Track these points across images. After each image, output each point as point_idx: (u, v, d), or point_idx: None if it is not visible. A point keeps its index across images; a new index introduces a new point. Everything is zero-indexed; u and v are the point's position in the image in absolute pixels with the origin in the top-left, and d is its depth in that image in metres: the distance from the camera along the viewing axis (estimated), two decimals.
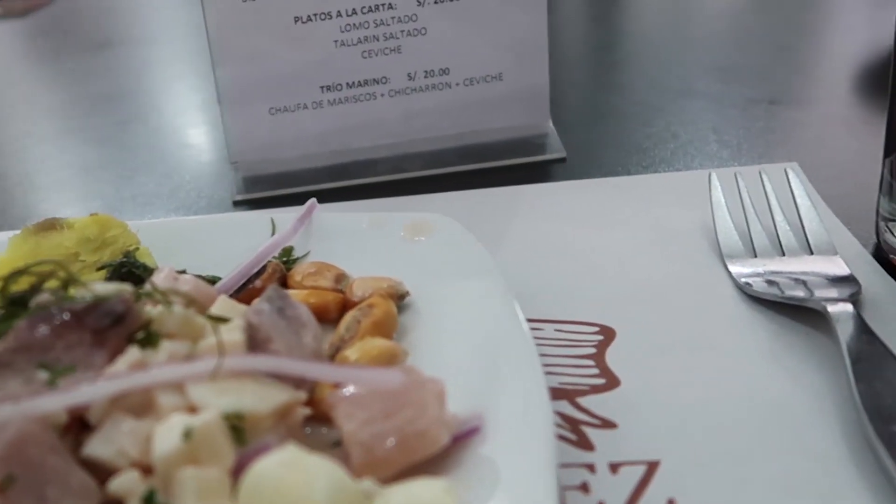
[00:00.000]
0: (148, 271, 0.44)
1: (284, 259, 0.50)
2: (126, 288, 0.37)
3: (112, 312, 0.35)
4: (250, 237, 0.50)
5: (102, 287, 0.37)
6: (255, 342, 0.37)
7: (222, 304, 0.40)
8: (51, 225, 0.49)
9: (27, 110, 0.91)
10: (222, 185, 0.67)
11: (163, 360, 0.35)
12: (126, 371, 0.34)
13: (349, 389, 0.36)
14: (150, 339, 0.36)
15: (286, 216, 0.52)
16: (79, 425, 0.34)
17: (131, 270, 0.44)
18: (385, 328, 0.43)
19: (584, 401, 0.41)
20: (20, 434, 0.30)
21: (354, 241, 0.50)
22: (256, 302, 0.40)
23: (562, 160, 0.65)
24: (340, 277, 0.47)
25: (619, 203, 0.57)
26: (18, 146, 0.79)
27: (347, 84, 0.64)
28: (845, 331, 0.41)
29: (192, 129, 0.81)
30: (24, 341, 0.34)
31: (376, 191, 0.63)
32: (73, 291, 0.37)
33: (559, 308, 0.48)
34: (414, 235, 0.49)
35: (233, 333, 0.37)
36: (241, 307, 0.40)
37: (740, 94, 0.73)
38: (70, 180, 0.72)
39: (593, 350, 0.44)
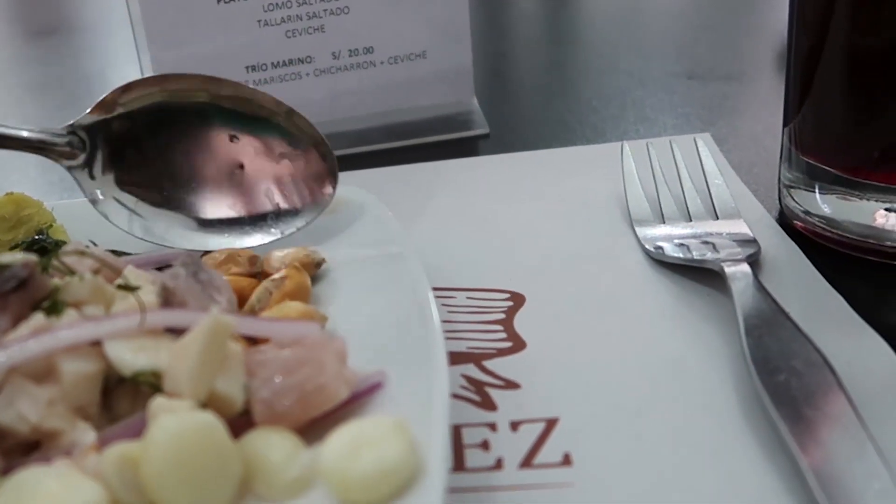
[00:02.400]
0: (59, 247, 0.44)
1: None
2: (31, 257, 0.38)
3: (14, 277, 0.35)
4: None
5: (7, 256, 0.37)
6: (170, 305, 0.38)
7: (131, 274, 0.40)
8: None
9: None
10: None
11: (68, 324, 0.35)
12: (33, 334, 0.35)
13: (254, 348, 0.36)
14: (55, 307, 0.37)
15: None
16: None
17: (44, 246, 0.44)
18: (297, 298, 0.44)
19: (490, 364, 0.42)
20: None
21: None
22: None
23: (486, 136, 0.66)
24: (253, 260, 0.47)
25: (537, 176, 0.58)
26: None
27: (272, 64, 0.65)
28: (739, 289, 0.42)
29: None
30: None
31: None
32: None
33: (472, 277, 0.49)
34: (330, 209, 0.50)
35: (147, 297, 0.38)
36: (150, 276, 0.41)
37: (660, 69, 0.74)
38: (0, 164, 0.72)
39: (502, 315, 0.46)
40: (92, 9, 1.19)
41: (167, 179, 0.49)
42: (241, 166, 0.49)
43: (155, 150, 0.49)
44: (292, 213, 0.49)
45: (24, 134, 0.47)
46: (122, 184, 0.49)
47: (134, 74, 0.86)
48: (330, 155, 0.49)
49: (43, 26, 1.09)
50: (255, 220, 0.49)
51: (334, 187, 0.49)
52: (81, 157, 0.48)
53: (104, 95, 0.49)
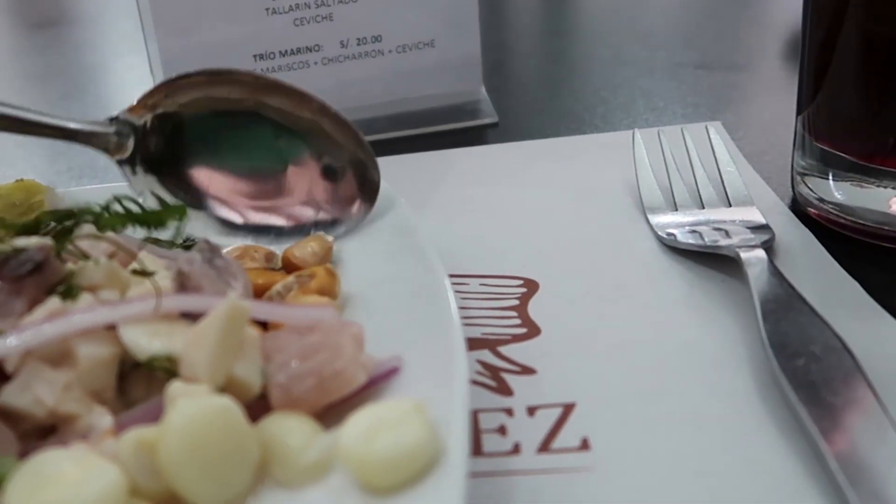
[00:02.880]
0: (76, 225, 0.43)
1: None
2: (46, 241, 0.38)
3: (30, 260, 0.35)
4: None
5: (22, 241, 0.37)
6: (185, 290, 0.38)
7: (146, 258, 0.40)
8: None
9: None
10: None
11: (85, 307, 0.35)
12: (49, 318, 0.34)
13: (271, 333, 0.36)
14: (70, 291, 0.36)
15: None
16: None
17: (64, 224, 0.43)
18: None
19: (505, 349, 0.42)
20: None
21: None
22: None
23: (494, 125, 0.66)
24: (270, 256, 0.47)
25: (547, 163, 0.58)
26: None
27: (280, 52, 0.65)
28: (755, 274, 0.42)
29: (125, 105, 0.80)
30: None
31: None
32: None
33: (485, 264, 0.48)
34: None
35: (163, 281, 0.38)
36: (165, 261, 0.40)
37: (668, 59, 0.74)
38: (2, 155, 0.71)
39: (516, 302, 0.45)
40: (91, 1, 1.18)
41: (206, 180, 0.49)
42: (282, 175, 0.49)
43: (197, 150, 0.49)
44: (329, 223, 0.48)
45: (72, 125, 0.46)
46: (163, 181, 0.48)
47: (138, 64, 0.86)
48: (373, 170, 0.48)
49: (45, 17, 1.09)
50: (291, 230, 0.48)
51: (372, 203, 0.47)
52: (129, 150, 0.47)
53: (149, 89, 0.48)
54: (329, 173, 0.48)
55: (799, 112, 0.50)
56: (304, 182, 0.48)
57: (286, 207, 0.49)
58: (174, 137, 0.48)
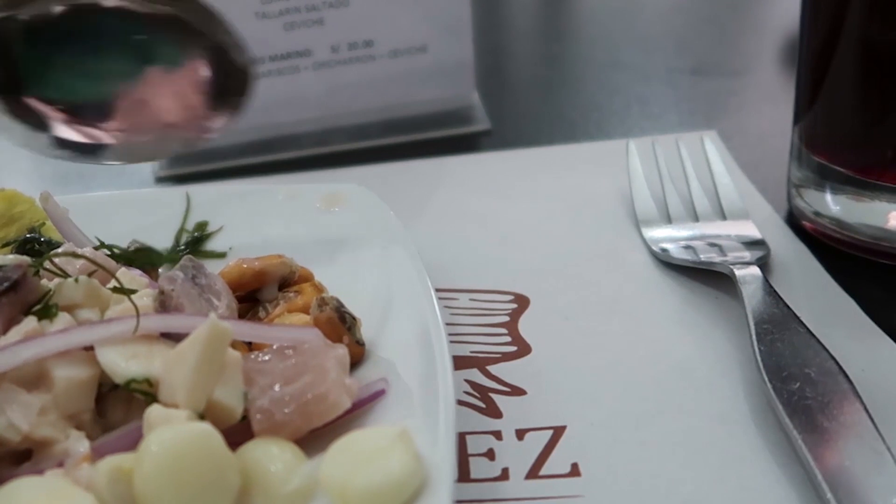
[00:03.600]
0: (52, 246, 0.43)
1: (197, 234, 0.49)
2: (24, 259, 0.37)
3: (6, 279, 0.34)
4: (167, 212, 0.50)
5: None
6: (166, 309, 0.37)
7: (124, 277, 0.39)
8: None
9: None
10: (143, 164, 0.66)
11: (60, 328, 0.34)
12: (25, 339, 0.33)
13: (253, 355, 0.35)
14: (47, 310, 0.35)
15: (203, 189, 0.51)
16: None
17: (36, 246, 0.43)
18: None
19: (494, 369, 0.41)
20: None
21: (271, 212, 0.49)
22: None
23: (487, 132, 0.65)
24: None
25: (540, 173, 0.57)
26: None
27: (270, 57, 0.64)
28: (750, 293, 0.41)
29: None
30: None
31: (301, 165, 0.62)
32: None
33: (475, 278, 0.48)
34: (330, 206, 0.49)
35: (142, 300, 0.37)
36: (144, 280, 0.40)
37: (663, 64, 0.73)
38: None
39: (506, 318, 0.45)
40: None
41: (49, 97, 0.43)
42: (138, 82, 0.43)
43: (36, 64, 0.43)
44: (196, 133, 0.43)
45: None
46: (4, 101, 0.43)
47: None
48: (241, 57, 0.42)
49: None
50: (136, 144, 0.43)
51: (245, 95, 0.42)
52: None
53: None
54: (193, 70, 0.43)
55: (795, 122, 0.49)
56: (164, 86, 0.43)
57: (133, 119, 0.44)
58: (12, 41, 0.43)
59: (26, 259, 0.37)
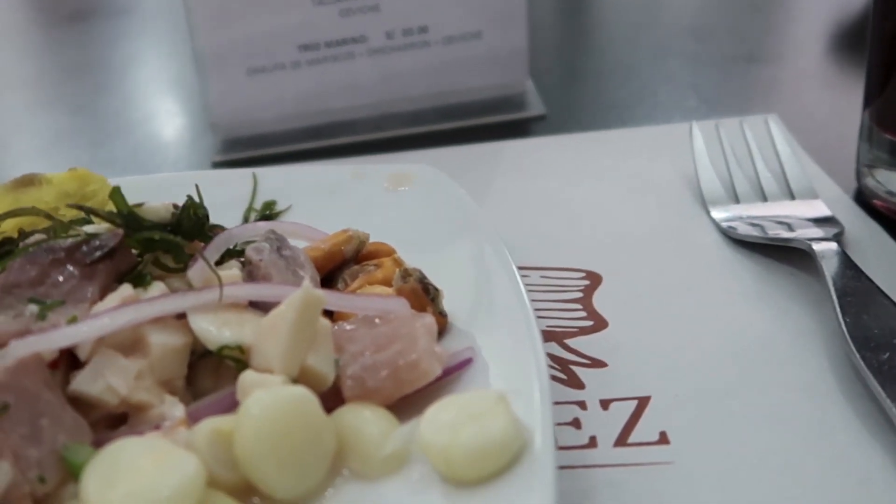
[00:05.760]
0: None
1: (267, 212, 0.49)
2: (117, 229, 0.37)
3: (103, 246, 0.34)
4: (232, 193, 0.50)
5: (93, 227, 0.36)
6: (253, 279, 0.37)
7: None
8: (29, 181, 0.48)
9: None
10: (200, 149, 0.66)
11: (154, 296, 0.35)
12: (122, 305, 0.34)
13: (342, 324, 0.35)
14: (141, 278, 0.36)
15: (268, 171, 0.52)
16: (67, 362, 0.33)
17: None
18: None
19: (573, 342, 0.41)
20: (18, 363, 0.30)
21: (337, 192, 0.49)
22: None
23: (541, 118, 0.65)
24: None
25: (602, 156, 0.57)
26: None
27: (325, 43, 0.64)
28: (831, 267, 0.41)
29: (167, 96, 0.80)
30: (14, 280, 0.33)
31: (355, 150, 0.62)
32: (62, 235, 0.36)
33: (545, 256, 0.48)
34: (397, 186, 0.49)
35: (231, 270, 0.37)
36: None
37: (717, 52, 0.73)
38: (44, 147, 0.71)
39: (580, 294, 0.45)
40: None
41: None
42: None
43: None
44: None
45: None
46: None
47: (177, 56, 0.85)
48: None
49: (80, 10, 1.08)
50: None
51: None
52: None
53: None
54: None
55: (867, 104, 0.49)
56: None
57: None
58: None
59: (120, 229, 0.37)
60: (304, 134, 0.65)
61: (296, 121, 0.65)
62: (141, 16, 1.05)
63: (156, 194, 0.49)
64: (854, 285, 0.39)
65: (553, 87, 0.69)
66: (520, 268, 0.46)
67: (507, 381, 0.34)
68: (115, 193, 0.37)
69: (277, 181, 0.51)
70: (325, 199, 0.49)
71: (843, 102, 0.61)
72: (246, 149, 0.64)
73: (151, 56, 0.92)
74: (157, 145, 0.68)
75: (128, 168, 0.64)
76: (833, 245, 0.42)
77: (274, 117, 0.65)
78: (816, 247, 0.42)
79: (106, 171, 0.63)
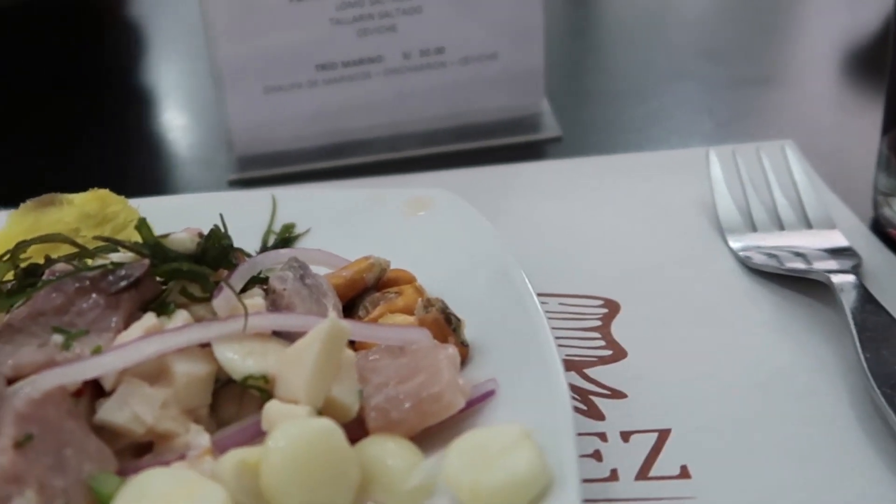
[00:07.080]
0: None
1: (286, 235, 0.49)
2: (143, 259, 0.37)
3: (129, 276, 0.35)
4: (250, 214, 0.50)
5: (118, 256, 0.37)
6: (277, 308, 0.37)
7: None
8: (50, 201, 0.48)
9: (8, 95, 0.90)
10: (216, 166, 0.66)
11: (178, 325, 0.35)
12: (147, 335, 0.34)
13: (365, 353, 0.36)
14: (165, 307, 0.36)
15: (284, 193, 0.52)
16: (91, 391, 0.33)
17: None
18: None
19: (592, 372, 0.41)
20: (42, 394, 0.30)
21: (355, 217, 0.50)
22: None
23: (557, 139, 0.65)
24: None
25: (618, 180, 0.57)
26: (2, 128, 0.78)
27: (342, 63, 0.64)
28: (850, 300, 0.41)
29: (183, 112, 0.80)
30: (39, 308, 0.34)
31: (371, 170, 0.62)
32: (88, 262, 0.36)
33: (562, 282, 0.48)
34: (415, 211, 0.49)
35: (254, 298, 0.37)
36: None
37: (730, 74, 0.73)
38: (59, 163, 0.71)
39: (599, 323, 0.45)
40: (145, 4, 1.18)
41: None
42: None
43: None
44: None
45: None
46: None
47: (195, 70, 0.85)
48: None
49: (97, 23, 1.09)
50: None
51: None
52: None
53: None
54: None
55: (885, 132, 0.49)
56: None
57: None
58: None
59: (146, 260, 0.37)
60: (320, 153, 0.65)
61: (312, 140, 0.66)
62: (157, 28, 1.06)
63: (175, 216, 0.49)
64: (874, 320, 0.40)
65: (568, 108, 0.69)
66: (537, 294, 0.46)
67: (531, 414, 0.34)
68: (143, 225, 0.37)
69: (295, 204, 0.51)
70: (343, 224, 0.49)
71: (858, 128, 0.61)
72: (262, 167, 0.64)
73: (168, 69, 0.92)
74: (173, 163, 0.68)
75: (142, 185, 0.65)
76: (851, 277, 0.43)
77: (290, 136, 0.65)
78: (835, 279, 0.43)
79: (119, 188, 0.64)
